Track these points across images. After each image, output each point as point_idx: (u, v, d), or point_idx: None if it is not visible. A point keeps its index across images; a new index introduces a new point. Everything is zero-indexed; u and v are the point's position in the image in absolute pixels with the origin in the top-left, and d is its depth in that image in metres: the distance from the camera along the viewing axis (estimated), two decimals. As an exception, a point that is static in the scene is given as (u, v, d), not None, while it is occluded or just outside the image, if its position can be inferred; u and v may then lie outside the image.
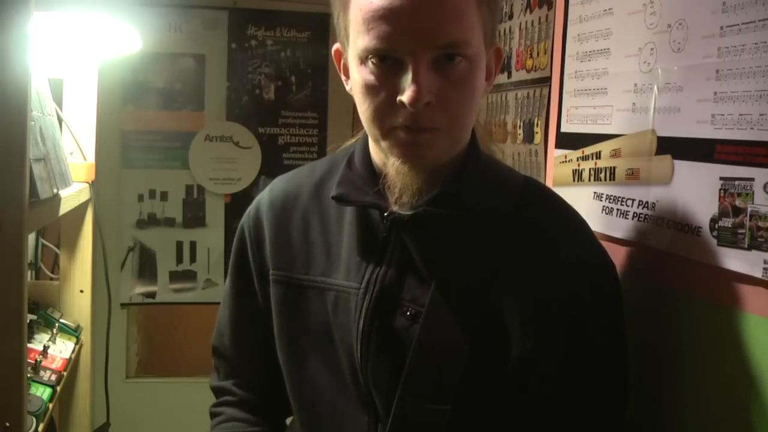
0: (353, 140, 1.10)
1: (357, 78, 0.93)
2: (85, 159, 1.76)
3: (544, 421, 0.95)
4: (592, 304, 0.96)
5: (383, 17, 0.86)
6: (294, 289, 1.05)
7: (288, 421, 1.19)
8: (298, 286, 1.05)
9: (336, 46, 1.01)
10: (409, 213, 0.97)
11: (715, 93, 0.96)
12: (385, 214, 0.99)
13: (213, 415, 1.20)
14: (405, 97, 0.87)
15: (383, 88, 0.90)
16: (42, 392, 1.41)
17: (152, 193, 2.79)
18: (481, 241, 0.98)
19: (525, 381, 0.95)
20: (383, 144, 0.94)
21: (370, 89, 0.91)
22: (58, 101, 1.72)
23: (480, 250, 0.98)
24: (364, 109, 0.93)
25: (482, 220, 0.99)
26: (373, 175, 1.02)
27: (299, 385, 1.07)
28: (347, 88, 1.00)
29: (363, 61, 0.91)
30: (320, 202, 1.07)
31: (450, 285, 0.97)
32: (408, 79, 0.87)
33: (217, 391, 1.21)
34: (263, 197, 1.13)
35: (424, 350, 0.96)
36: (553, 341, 0.94)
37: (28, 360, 1.41)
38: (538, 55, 1.54)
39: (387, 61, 0.89)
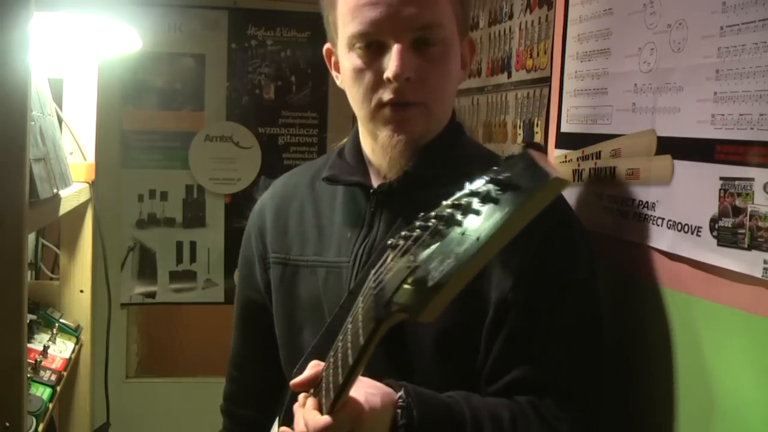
0: (347, 138, 1.18)
1: (347, 65, 1.04)
2: (85, 159, 1.76)
3: (523, 349, 0.98)
4: (565, 258, 1.01)
5: (366, 5, 0.99)
6: (290, 269, 1.14)
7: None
8: (294, 266, 1.13)
9: (327, 45, 1.12)
10: (393, 180, 1.05)
11: (715, 93, 0.96)
12: (371, 191, 1.07)
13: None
14: (389, 72, 0.99)
15: (370, 69, 1.02)
16: (42, 392, 1.41)
17: (152, 193, 2.79)
18: None
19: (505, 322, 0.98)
20: (372, 123, 1.04)
21: (358, 72, 1.02)
22: (58, 101, 1.72)
23: None
24: (353, 92, 1.05)
25: (463, 182, 1.04)
26: (362, 161, 1.11)
27: (293, 357, 1.12)
28: (338, 82, 1.10)
29: (351, 48, 1.03)
30: (314, 191, 1.16)
31: None
32: (390, 57, 0.99)
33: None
34: (266, 193, 1.24)
35: None
36: (529, 281, 0.98)
37: (28, 360, 1.41)
38: (538, 55, 1.54)
39: (372, 47, 1.01)
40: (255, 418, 1.26)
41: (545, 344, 0.98)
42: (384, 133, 1.03)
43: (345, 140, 1.18)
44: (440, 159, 1.04)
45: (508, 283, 0.98)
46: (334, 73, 1.12)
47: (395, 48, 0.99)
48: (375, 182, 1.09)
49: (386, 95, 1.00)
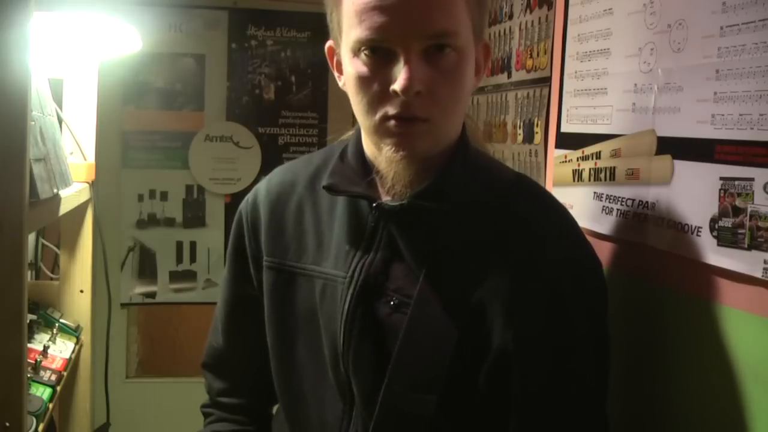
0: (350, 133, 1.11)
1: (350, 71, 0.95)
2: (85, 159, 1.76)
3: (527, 415, 0.96)
4: (575, 301, 0.97)
5: (375, 8, 0.89)
6: (285, 275, 1.07)
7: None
8: (289, 273, 1.07)
9: (329, 43, 1.03)
10: (396, 204, 0.98)
11: (715, 93, 0.96)
12: (374, 204, 1.00)
13: (204, 415, 1.23)
14: (397, 85, 0.89)
15: (375, 79, 0.92)
16: (42, 392, 1.41)
17: (152, 193, 2.79)
18: (469, 235, 0.99)
19: (507, 374, 0.95)
20: (376, 136, 0.96)
21: (362, 81, 0.93)
22: (58, 101, 1.72)
23: (468, 243, 0.99)
24: (357, 101, 0.96)
25: (471, 213, 1.00)
26: (365, 167, 1.04)
27: (285, 369, 1.09)
28: (340, 84, 1.02)
29: (356, 53, 0.93)
30: (314, 192, 1.09)
31: (438, 277, 0.98)
32: (399, 68, 0.90)
33: (206, 407, 1.24)
34: (261, 185, 1.16)
35: (412, 340, 0.97)
36: (534, 335, 0.95)
37: (28, 360, 1.41)
38: (538, 55, 1.54)
39: (379, 53, 0.91)
40: (251, 406, 1.19)
41: (571, 385, 0.97)
42: (387, 147, 0.95)
43: (347, 135, 1.11)
44: (443, 189, 0.98)
45: (510, 331, 0.94)
46: (336, 74, 1.04)
47: (404, 58, 0.89)
48: (380, 190, 1.02)
49: (392, 109, 0.92)
